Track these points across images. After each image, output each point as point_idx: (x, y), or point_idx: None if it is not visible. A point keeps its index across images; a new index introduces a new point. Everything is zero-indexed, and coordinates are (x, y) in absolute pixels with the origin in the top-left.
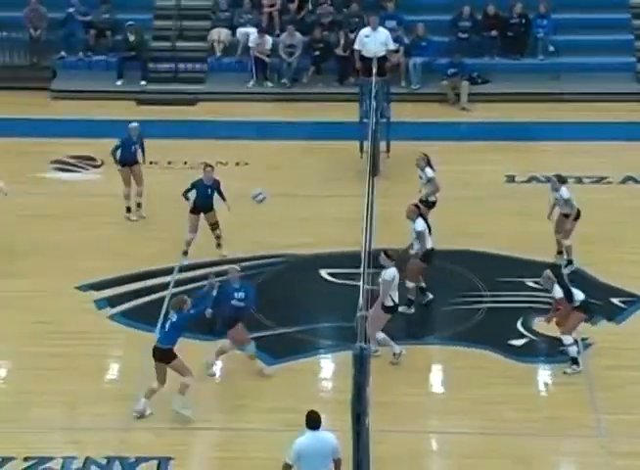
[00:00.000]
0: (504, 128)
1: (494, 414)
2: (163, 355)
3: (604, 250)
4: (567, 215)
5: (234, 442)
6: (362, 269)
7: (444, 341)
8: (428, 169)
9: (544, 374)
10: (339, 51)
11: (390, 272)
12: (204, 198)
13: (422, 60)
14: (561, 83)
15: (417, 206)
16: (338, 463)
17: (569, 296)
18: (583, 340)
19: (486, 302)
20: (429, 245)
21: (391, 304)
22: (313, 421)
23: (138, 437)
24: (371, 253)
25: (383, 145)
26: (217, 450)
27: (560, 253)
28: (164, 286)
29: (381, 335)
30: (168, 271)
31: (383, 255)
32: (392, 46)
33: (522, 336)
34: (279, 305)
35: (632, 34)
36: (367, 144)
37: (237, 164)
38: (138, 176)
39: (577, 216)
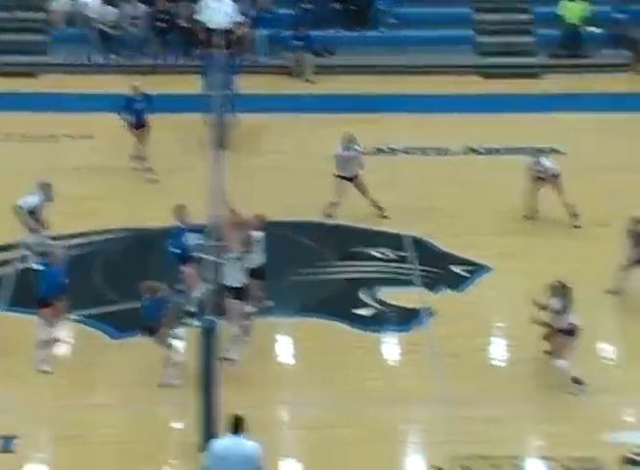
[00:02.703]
0: (349, 101)
1: (344, 384)
2: None
3: (447, 220)
4: (556, 176)
5: (79, 419)
6: (208, 242)
7: (293, 313)
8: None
9: (390, 342)
10: (182, 22)
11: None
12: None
13: (267, 32)
14: (404, 56)
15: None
16: None
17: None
18: (426, 309)
19: (332, 273)
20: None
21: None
22: (236, 426)
23: None
24: (216, 226)
25: (230, 118)
26: (63, 428)
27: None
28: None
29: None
30: (5, 248)
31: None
32: (238, 18)
33: (367, 305)
34: (125, 280)
35: (470, 7)
36: (212, 117)
37: (81, 136)
38: None
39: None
